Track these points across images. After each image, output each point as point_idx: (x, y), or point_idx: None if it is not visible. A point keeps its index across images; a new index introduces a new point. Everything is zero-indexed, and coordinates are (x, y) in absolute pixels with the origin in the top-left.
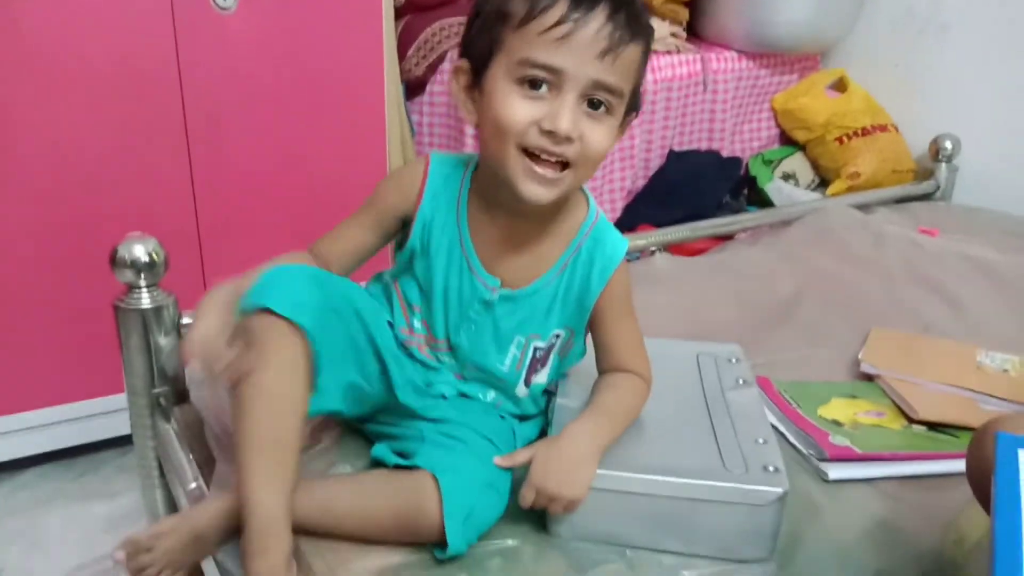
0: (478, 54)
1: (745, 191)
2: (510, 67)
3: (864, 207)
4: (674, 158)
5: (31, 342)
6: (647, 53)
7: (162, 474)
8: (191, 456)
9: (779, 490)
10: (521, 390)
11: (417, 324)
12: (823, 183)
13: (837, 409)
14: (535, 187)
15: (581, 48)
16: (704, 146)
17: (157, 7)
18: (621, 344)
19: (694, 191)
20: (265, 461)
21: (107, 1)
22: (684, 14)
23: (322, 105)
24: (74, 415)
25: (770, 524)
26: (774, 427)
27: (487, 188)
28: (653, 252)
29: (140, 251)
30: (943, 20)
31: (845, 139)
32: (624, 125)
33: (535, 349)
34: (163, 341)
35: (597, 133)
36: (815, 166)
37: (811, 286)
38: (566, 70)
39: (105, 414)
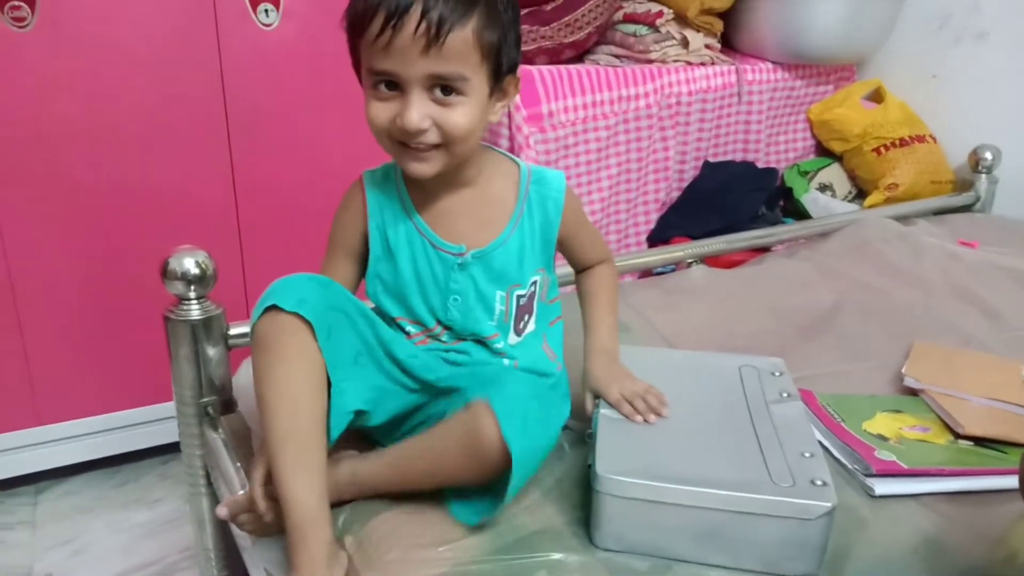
0: (355, 62)
1: (781, 202)
2: (366, 75)
3: (902, 219)
4: (708, 169)
5: (77, 353)
6: (490, 20)
7: (208, 482)
8: (238, 464)
9: (828, 504)
10: (512, 339)
11: (411, 329)
12: (860, 194)
13: (882, 424)
14: (415, 164)
15: (404, 50)
16: (739, 157)
17: (202, 24)
18: (588, 246)
19: (729, 202)
20: (291, 456)
21: (154, 19)
22: (718, 26)
23: (360, 117)
24: (117, 424)
25: (818, 538)
26: (818, 442)
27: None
28: (689, 264)
29: (190, 263)
30: (980, 28)
31: (883, 150)
32: (505, 87)
33: (518, 298)
34: (211, 352)
35: (453, 117)
36: (852, 177)
37: (850, 299)
38: (398, 73)
39: (146, 423)
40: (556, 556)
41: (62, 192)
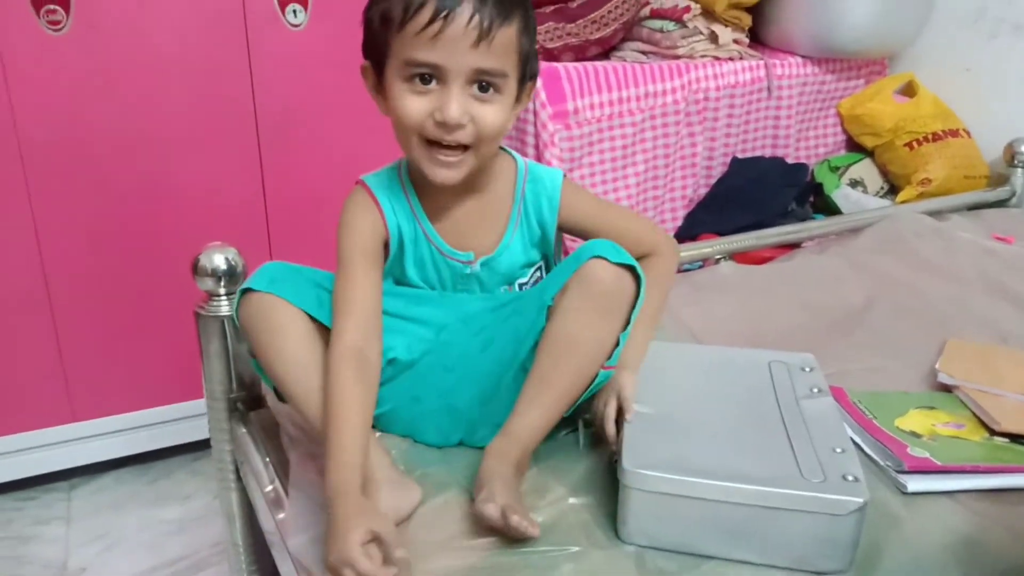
0: (375, 56)
1: (811, 198)
2: (399, 67)
3: (936, 214)
4: (737, 165)
5: (110, 350)
6: (527, 25)
7: (238, 477)
8: (267, 459)
9: (860, 500)
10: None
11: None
12: (892, 190)
13: (915, 420)
14: (441, 171)
15: (454, 42)
16: (768, 153)
17: (232, 26)
18: (622, 226)
19: (758, 198)
20: (314, 414)
21: (185, 21)
22: (747, 20)
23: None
24: (150, 421)
25: (849, 535)
26: (850, 438)
27: (422, 177)
28: (718, 260)
29: (220, 260)
30: (1016, 20)
31: (915, 144)
32: (524, 94)
33: (519, 286)
34: (241, 347)
35: (489, 113)
36: (884, 172)
37: (882, 295)
38: (445, 65)
39: (178, 420)
40: (582, 550)
41: (95, 191)
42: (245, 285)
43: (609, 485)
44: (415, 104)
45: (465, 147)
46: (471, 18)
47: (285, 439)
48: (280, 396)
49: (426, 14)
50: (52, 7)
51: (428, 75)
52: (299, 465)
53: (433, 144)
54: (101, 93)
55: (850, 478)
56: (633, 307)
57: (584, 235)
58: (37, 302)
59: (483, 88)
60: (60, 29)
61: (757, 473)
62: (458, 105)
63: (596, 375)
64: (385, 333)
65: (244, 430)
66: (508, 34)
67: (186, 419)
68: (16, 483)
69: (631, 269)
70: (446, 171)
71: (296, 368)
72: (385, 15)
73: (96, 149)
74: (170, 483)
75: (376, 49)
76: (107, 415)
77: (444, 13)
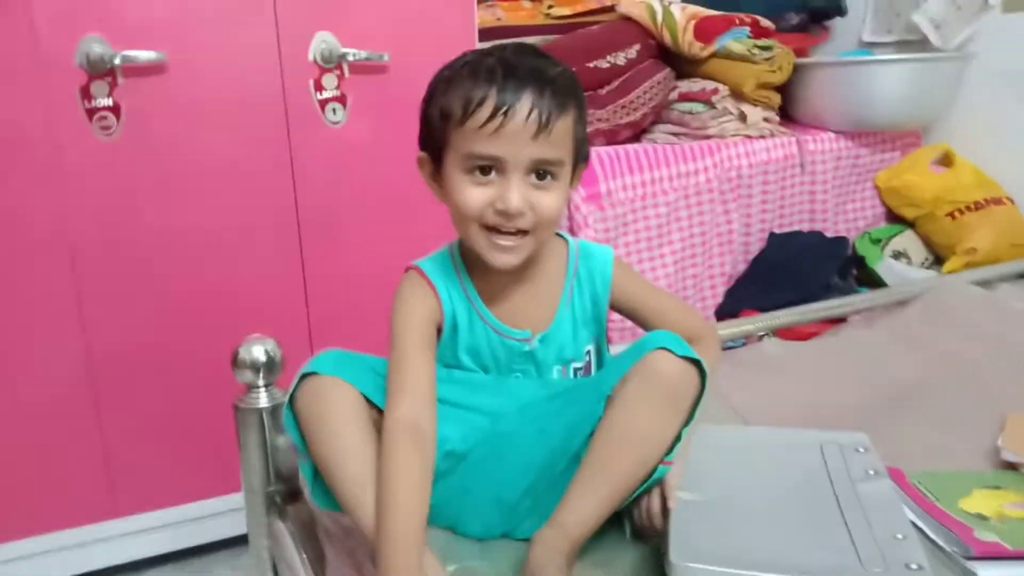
0: (433, 148)
1: (854, 272)
2: (458, 160)
3: (985, 283)
4: (775, 240)
5: (153, 445)
6: (580, 113)
7: (276, 573)
8: (304, 555)
9: None
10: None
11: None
12: (937, 260)
13: (980, 502)
14: (500, 256)
15: (515, 136)
16: (806, 227)
17: (274, 126)
18: (668, 313)
19: (799, 273)
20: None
21: (230, 123)
22: (776, 99)
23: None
24: (189, 516)
25: None
26: (911, 523)
27: (476, 257)
28: (761, 337)
29: (259, 352)
30: None
31: (957, 214)
32: (576, 176)
33: (575, 370)
34: (280, 440)
35: (547, 200)
36: (927, 243)
37: (935, 369)
38: (506, 158)
39: (217, 515)
40: None
41: (141, 289)
42: (306, 369)
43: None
44: (476, 194)
45: (524, 232)
46: (530, 112)
47: (322, 534)
48: (320, 497)
49: (487, 110)
50: (104, 113)
51: (488, 167)
52: (336, 561)
53: (492, 230)
54: (149, 194)
55: (914, 567)
56: (697, 402)
57: (631, 314)
58: (83, 399)
59: (541, 176)
60: (111, 134)
61: (814, 564)
62: (519, 195)
63: (654, 469)
64: (440, 422)
65: (282, 524)
66: (565, 124)
67: (225, 513)
68: None
69: (696, 364)
70: (506, 256)
71: (353, 458)
72: (445, 111)
73: (142, 248)
74: None
75: (434, 141)
76: (150, 510)
77: (504, 109)
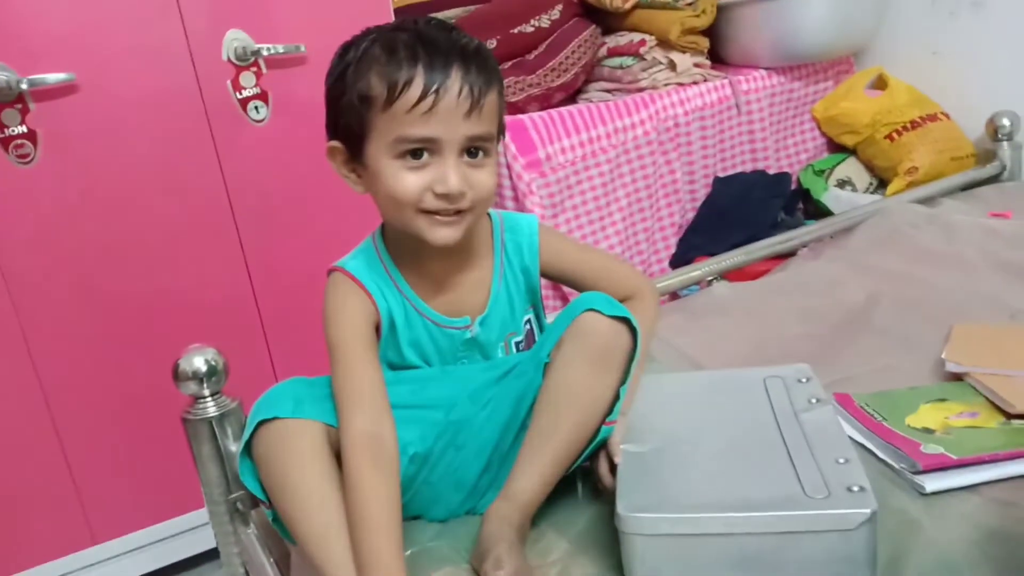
0: (349, 134)
1: (801, 206)
2: (387, 145)
3: (928, 200)
4: (720, 184)
5: (119, 467)
6: (502, 86)
7: None
8: (271, 558)
9: (867, 510)
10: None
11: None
12: (882, 184)
13: (926, 416)
14: (441, 231)
15: (448, 114)
16: (749, 168)
17: (197, 129)
18: (602, 272)
19: (746, 214)
20: (337, 547)
21: (150, 132)
22: (704, 43)
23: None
24: (169, 532)
25: (863, 549)
26: (861, 445)
27: (403, 247)
28: (711, 282)
29: (200, 362)
30: None
31: (895, 135)
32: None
33: (516, 344)
34: (233, 447)
35: (482, 177)
36: (870, 168)
37: (883, 291)
38: (440, 137)
39: (199, 528)
40: None
41: (85, 309)
42: (262, 416)
43: (614, 534)
44: (411, 180)
45: (462, 211)
46: (460, 89)
47: None
48: (289, 536)
49: (415, 91)
50: (20, 141)
51: (421, 150)
52: (300, 561)
53: (431, 214)
54: (79, 216)
55: (855, 488)
56: (630, 360)
57: (566, 279)
58: (42, 429)
59: (473, 154)
60: (29, 162)
61: (758, 498)
62: (456, 175)
63: (597, 431)
64: (399, 426)
65: (246, 530)
66: (492, 99)
67: (206, 525)
68: None
69: (626, 321)
70: (447, 230)
71: (318, 510)
72: (364, 94)
73: (81, 269)
74: None
75: (350, 128)
76: (126, 532)
77: (435, 87)
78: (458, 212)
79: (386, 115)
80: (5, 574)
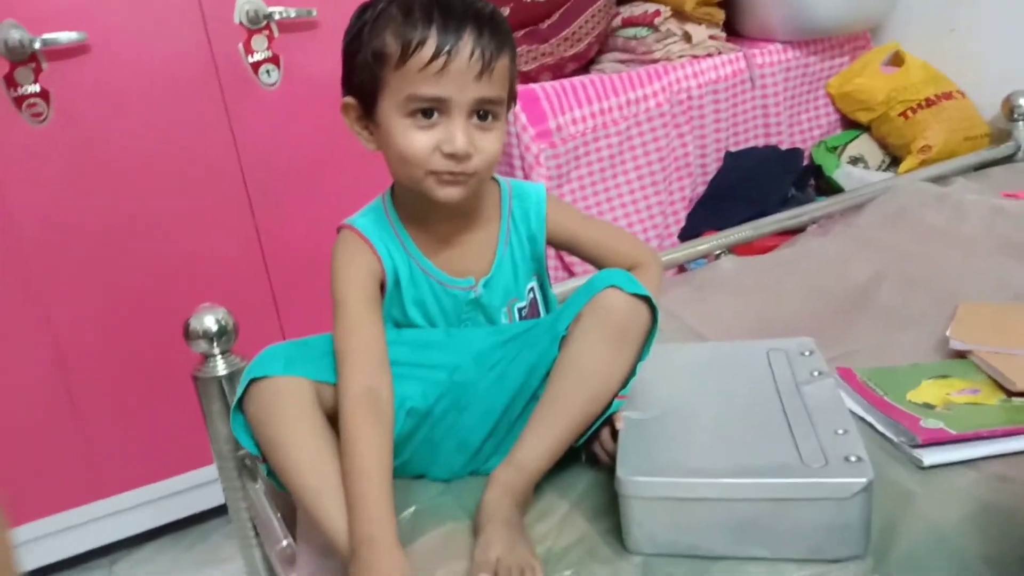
0: (363, 91)
1: (812, 182)
2: (399, 103)
3: (941, 179)
4: (731, 159)
5: (130, 424)
6: (514, 51)
7: (257, 534)
8: (279, 514)
9: (863, 480)
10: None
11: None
12: (894, 162)
13: (928, 392)
14: (448, 190)
15: (459, 75)
16: (761, 143)
17: (209, 94)
18: (606, 242)
19: (756, 189)
20: (333, 499)
21: (162, 94)
22: (719, 15)
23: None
24: (180, 487)
25: (858, 517)
26: (861, 418)
27: (411, 206)
28: (718, 256)
29: (211, 321)
30: None
31: (909, 113)
32: (508, 115)
33: (519, 311)
34: None
35: (490, 140)
36: (883, 145)
37: (890, 268)
38: (450, 97)
39: (206, 484)
40: (589, 566)
41: (99, 273)
42: (253, 374)
43: (612, 498)
44: (420, 138)
45: (469, 174)
46: (472, 51)
47: None
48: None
49: (428, 50)
50: (33, 100)
51: (431, 109)
52: (305, 517)
53: (438, 175)
54: (91, 177)
55: (852, 459)
56: (648, 337)
57: (572, 248)
58: (54, 385)
59: (483, 116)
60: (43, 120)
61: (756, 466)
62: (464, 135)
63: (609, 404)
64: (399, 381)
65: (254, 485)
66: (504, 63)
67: (214, 482)
68: (57, 565)
69: (646, 299)
70: (452, 188)
71: (311, 469)
72: (379, 52)
73: (93, 233)
74: (207, 547)
75: (365, 85)
76: (135, 487)
77: (447, 48)
78: (464, 175)
79: (398, 73)
80: (14, 525)
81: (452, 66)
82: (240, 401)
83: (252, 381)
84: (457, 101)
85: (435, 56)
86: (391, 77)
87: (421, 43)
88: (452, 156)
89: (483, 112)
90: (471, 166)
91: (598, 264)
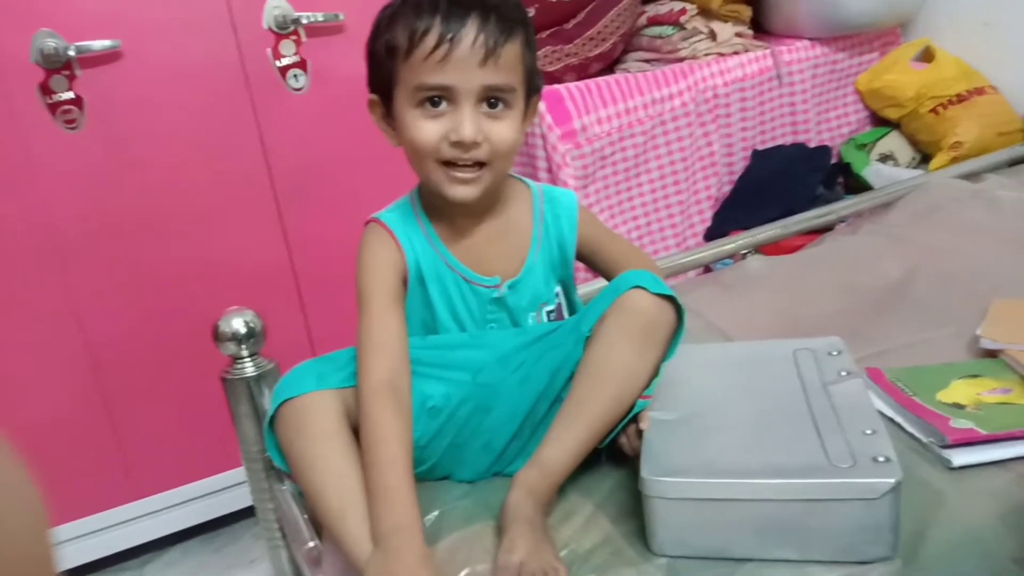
0: (382, 87)
1: (841, 180)
2: (408, 94)
3: (973, 176)
4: (758, 158)
5: (162, 425)
6: (528, 39)
7: (284, 535)
8: (306, 515)
9: (891, 480)
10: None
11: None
12: (925, 159)
13: (958, 392)
14: (459, 188)
15: (463, 63)
16: (789, 141)
17: (238, 99)
18: (624, 257)
19: (783, 188)
20: (353, 521)
21: (192, 101)
22: (747, 12)
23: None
24: (209, 489)
25: (887, 518)
26: (890, 419)
27: (435, 201)
28: (744, 255)
29: (239, 323)
30: None
31: (940, 109)
32: (530, 109)
33: (547, 313)
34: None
35: (501, 129)
36: (913, 142)
37: (922, 266)
38: (455, 85)
39: (236, 485)
40: (614, 568)
41: (130, 275)
42: (284, 395)
43: (637, 499)
44: (429, 128)
45: (481, 164)
46: (476, 38)
47: None
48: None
49: (432, 39)
50: (67, 107)
51: (439, 98)
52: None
53: (450, 164)
54: (123, 181)
55: (881, 459)
56: (674, 338)
57: (591, 258)
58: (86, 385)
59: (493, 104)
60: (76, 127)
61: (783, 466)
62: (471, 123)
63: (633, 405)
64: (421, 380)
65: (281, 487)
66: (513, 50)
67: (244, 484)
68: (89, 566)
69: (671, 300)
70: (464, 188)
71: (334, 489)
72: (390, 45)
73: (125, 236)
74: (236, 549)
75: (383, 80)
76: (166, 489)
77: (450, 36)
78: (476, 165)
79: (407, 65)
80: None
81: (455, 53)
82: (272, 420)
83: (283, 403)
84: (463, 89)
85: (438, 44)
86: (401, 69)
87: (425, 32)
88: (459, 144)
89: (493, 100)
90: (480, 154)
91: (610, 277)
